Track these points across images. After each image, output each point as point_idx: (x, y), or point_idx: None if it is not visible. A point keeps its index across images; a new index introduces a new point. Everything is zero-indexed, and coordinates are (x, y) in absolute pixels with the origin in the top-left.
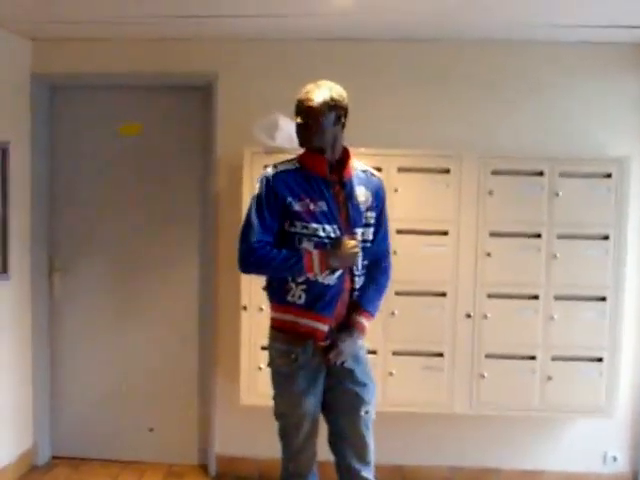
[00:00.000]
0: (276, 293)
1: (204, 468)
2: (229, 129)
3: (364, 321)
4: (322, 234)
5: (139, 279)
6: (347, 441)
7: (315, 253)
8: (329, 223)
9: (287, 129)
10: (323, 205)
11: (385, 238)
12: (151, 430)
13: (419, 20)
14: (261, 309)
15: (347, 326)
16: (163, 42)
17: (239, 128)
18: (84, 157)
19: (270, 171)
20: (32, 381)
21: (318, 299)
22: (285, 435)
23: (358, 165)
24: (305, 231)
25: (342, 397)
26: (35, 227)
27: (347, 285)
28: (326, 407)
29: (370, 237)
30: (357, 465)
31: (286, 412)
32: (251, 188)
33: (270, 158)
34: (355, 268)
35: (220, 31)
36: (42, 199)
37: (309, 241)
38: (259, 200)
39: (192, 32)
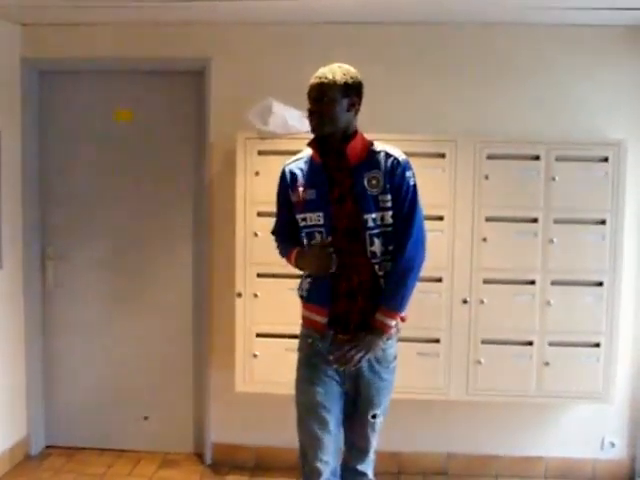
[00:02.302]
0: (298, 287)
1: (199, 456)
2: (222, 114)
3: (385, 319)
4: (306, 223)
5: (133, 267)
6: (350, 440)
7: (293, 253)
8: (313, 211)
9: (281, 114)
10: (312, 193)
11: (408, 221)
12: (146, 418)
13: (416, 2)
14: (256, 296)
15: (369, 326)
16: (155, 26)
17: (232, 113)
18: (75, 143)
19: (285, 164)
20: (26, 370)
21: (314, 290)
22: (297, 426)
23: (377, 146)
24: (299, 223)
25: (354, 397)
26: (27, 215)
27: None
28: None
29: (389, 221)
30: (354, 463)
31: (297, 400)
32: (244, 173)
33: (264, 143)
34: (370, 254)
35: (213, 15)
36: (33, 186)
37: (302, 233)
38: (277, 196)
39: (185, 16)
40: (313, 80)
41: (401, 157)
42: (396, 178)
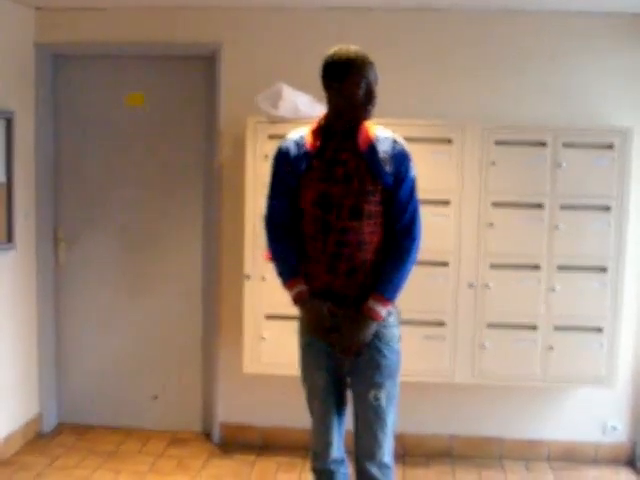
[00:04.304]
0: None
1: (208, 435)
2: (233, 99)
3: (376, 306)
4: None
5: (143, 249)
6: (357, 427)
7: (296, 288)
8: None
9: (290, 99)
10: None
11: (407, 211)
12: (155, 398)
13: None
14: (264, 278)
15: (359, 312)
16: (167, 11)
17: (243, 98)
18: (88, 127)
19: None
20: (38, 349)
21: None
22: (307, 406)
23: (381, 131)
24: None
25: (355, 377)
26: (40, 197)
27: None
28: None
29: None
30: (362, 458)
31: (302, 383)
32: (254, 157)
33: (274, 128)
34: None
35: (225, 0)
36: (46, 169)
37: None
38: (273, 175)
39: (197, 1)
40: (367, 59)
41: (406, 146)
42: (402, 167)
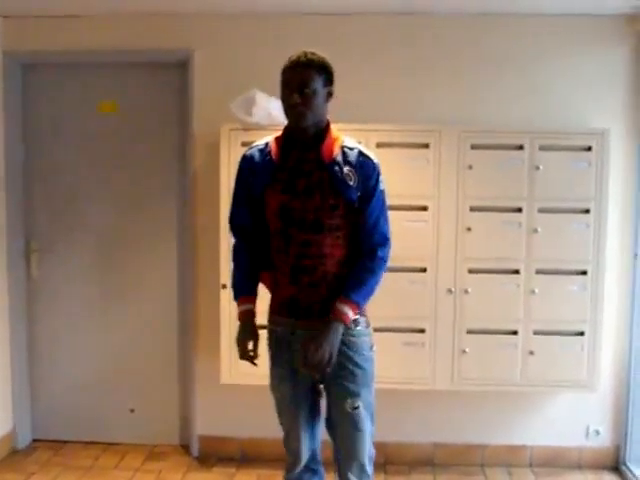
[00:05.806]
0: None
1: (186, 448)
2: (206, 106)
3: (343, 308)
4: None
5: (118, 259)
6: (334, 438)
7: (241, 311)
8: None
9: (264, 105)
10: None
11: (378, 223)
12: (132, 411)
13: None
14: None
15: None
16: (138, 17)
17: (216, 105)
18: (59, 136)
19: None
20: (11, 364)
21: (276, 292)
22: (278, 417)
23: (348, 142)
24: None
25: (329, 388)
26: (11, 208)
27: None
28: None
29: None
30: (341, 468)
31: (271, 390)
32: (228, 165)
33: (247, 135)
34: (339, 245)
35: (196, 6)
36: (17, 179)
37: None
38: (236, 182)
39: (167, 7)
40: (292, 67)
41: (375, 160)
42: (370, 181)
